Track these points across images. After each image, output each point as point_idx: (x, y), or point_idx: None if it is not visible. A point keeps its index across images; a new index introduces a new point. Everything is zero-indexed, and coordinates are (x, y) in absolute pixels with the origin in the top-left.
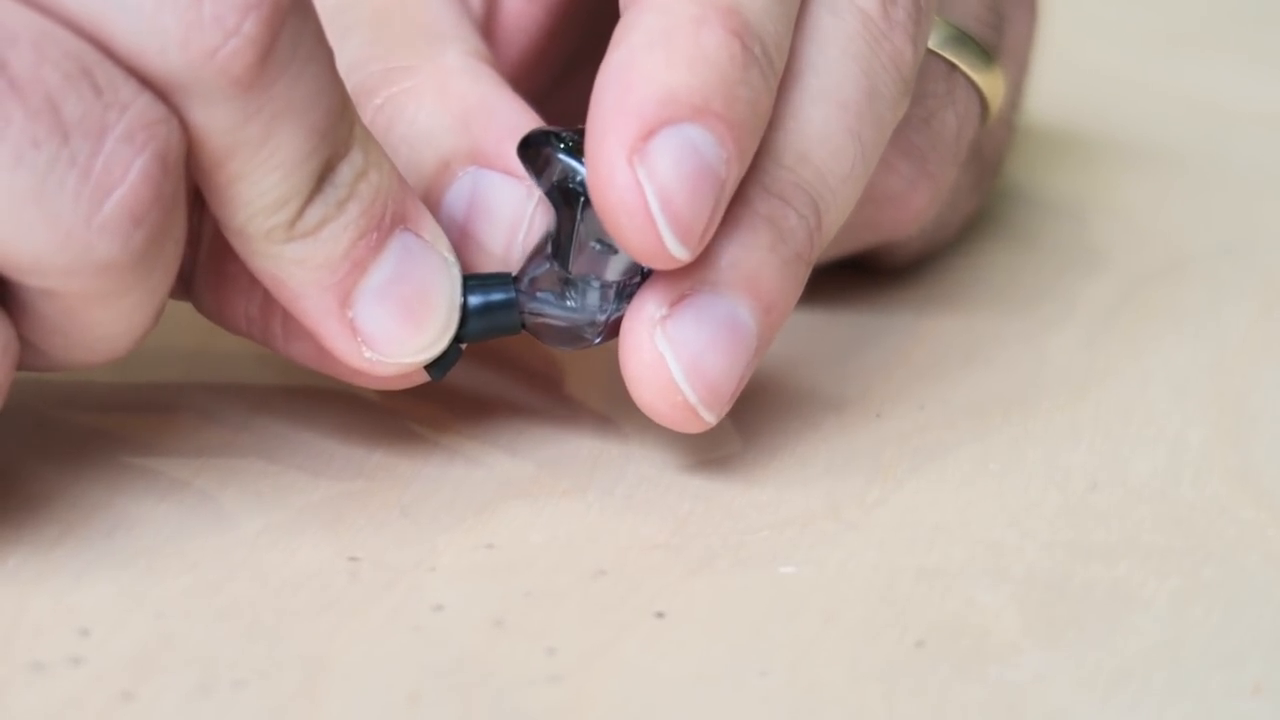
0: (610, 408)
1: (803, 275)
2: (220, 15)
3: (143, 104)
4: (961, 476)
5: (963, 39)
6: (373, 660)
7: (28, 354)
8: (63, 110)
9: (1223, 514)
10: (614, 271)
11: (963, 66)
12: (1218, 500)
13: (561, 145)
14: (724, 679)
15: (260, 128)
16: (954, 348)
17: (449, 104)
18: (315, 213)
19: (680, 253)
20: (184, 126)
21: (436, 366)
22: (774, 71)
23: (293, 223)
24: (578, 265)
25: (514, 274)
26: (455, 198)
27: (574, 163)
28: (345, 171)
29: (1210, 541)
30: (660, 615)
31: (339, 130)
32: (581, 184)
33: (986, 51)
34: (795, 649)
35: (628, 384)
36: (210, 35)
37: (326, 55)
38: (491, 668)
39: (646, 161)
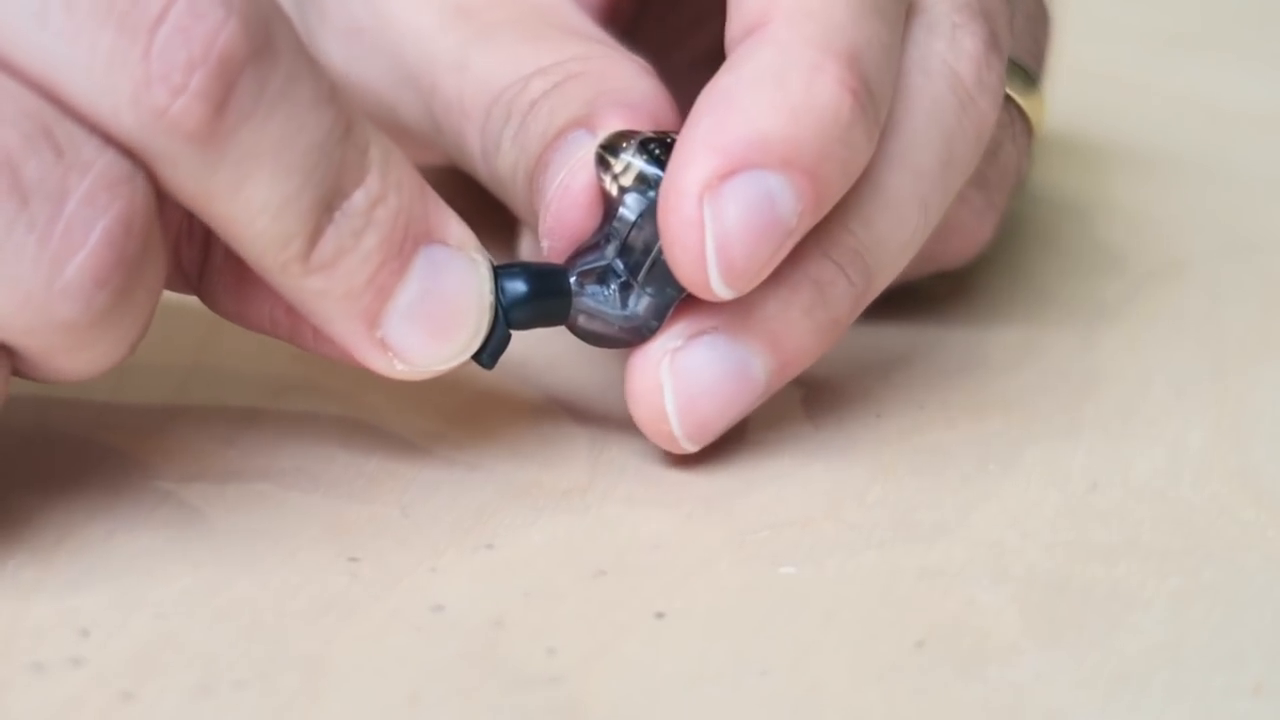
0: (610, 409)
1: (836, 337)
2: (167, 74)
3: (105, 164)
4: (961, 477)
5: (1014, 69)
6: (373, 660)
7: (21, 368)
8: (22, 172)
9: (1223, 514)
10: (682, 290)
11: (1014, 95)
12: (1218, 501)
13: (649, 155)
14: (724, 679)
15: (229, 175)
16: (954, 348)
17: (599, 85)
18: (330, 246)
19: (725, 294)
20: (153, 179)
21: (488, 355)
22: (879, 129)
23: (306, 256)
24: (649, 278)
25: (565, 266)
26: (557, 158)
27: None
28: (360, 199)
29: (1210, 542)
30: (660, 615)
31: (344, 158)
32: None
33: (1029, 74)
34: (795, 649)
35: (625, 394)
36: (158, 94)
37: (307, 91)
38: (491, 668)
39: (715, 202)
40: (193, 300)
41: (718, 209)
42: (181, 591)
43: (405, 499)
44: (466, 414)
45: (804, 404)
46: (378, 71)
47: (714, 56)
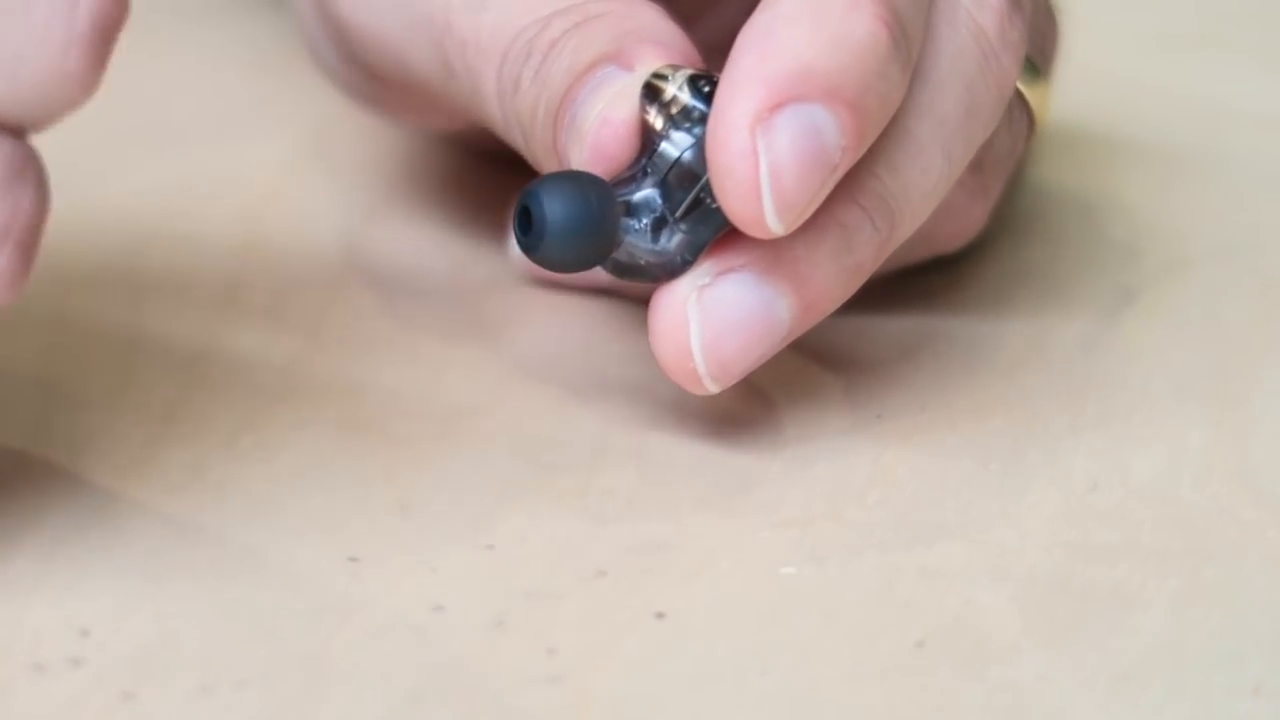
0: (611, 408)
1: (857, 283)
2: None
3: None
4: (962, 477)
5: None
6: (373, 660)
7: None
8: None
9: (1223, 515)
10: (716, 230)
11: (1018, 83)
12: (1218, 501)
13: (695, 90)
14: (724, 679)
15: None
16: (955, 348)
17: (623, 25)
18: None
19: (777, 228)
20: None
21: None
22: (911, 68)
23: None
24: (687, 215)
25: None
26: (586, 92)
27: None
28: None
29: (1210, 542)
30: (660, 616)
31: None
32: None
33: (1035, 66)
34: (795, 649)
35: (649, 331)
36: None
37: None
38: (491, 668)
39: (768, 134)
40: (192, 300)
41: (769, 141)
42: (181, 591)
43: (405, 499)
44: (467, 414)
45: (805, 404)
46: (387, 16)
47: (715, 49)
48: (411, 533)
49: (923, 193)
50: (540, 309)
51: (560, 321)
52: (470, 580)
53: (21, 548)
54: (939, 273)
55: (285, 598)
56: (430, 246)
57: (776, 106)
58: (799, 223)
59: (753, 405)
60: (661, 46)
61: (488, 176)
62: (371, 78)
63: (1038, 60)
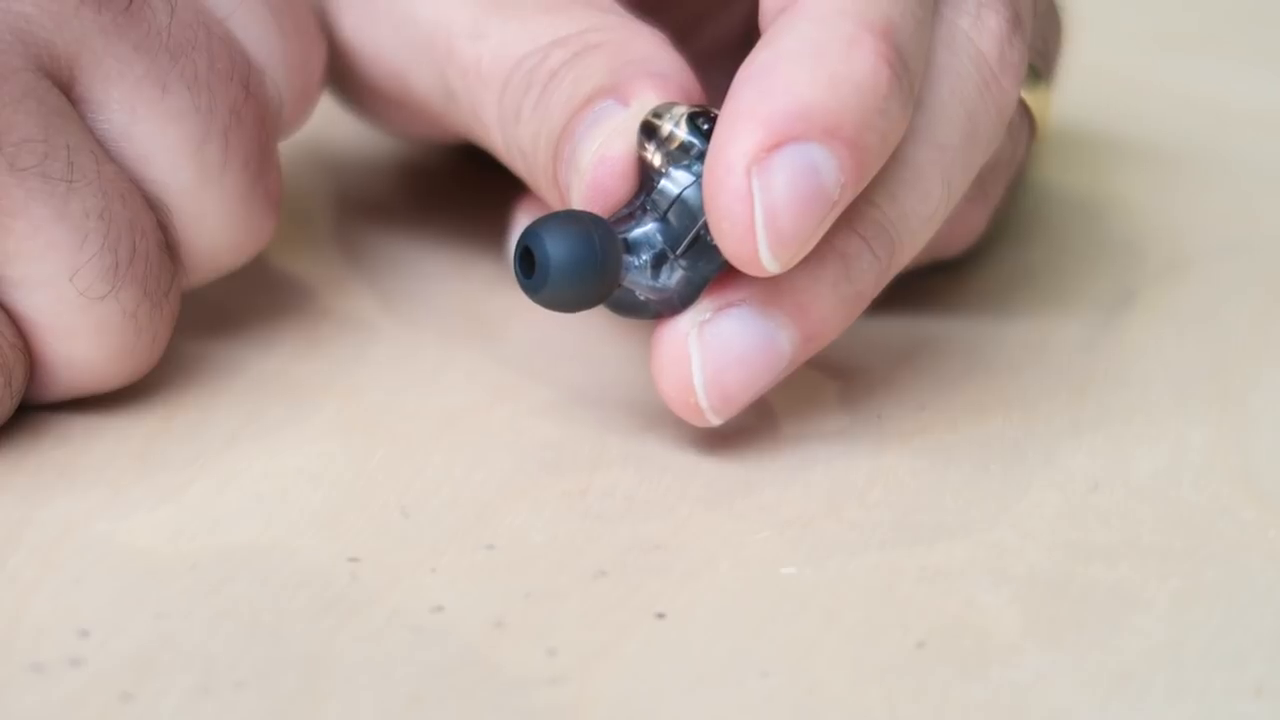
0: (611, 409)
1: (858, 311)
2: None
3: None
4: (962, 477)
5: None
6: (373, 660)
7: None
8: None
9: (1224, 515)
10: (717, 267)
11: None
12: (1219, 501)
13: (694, 128)
14: (725, 680)
15: None
16: (955, 349)
17: (621, 56)
18: None
19: (772, 266)
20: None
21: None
22: (913, 101)
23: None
24: (688, 252)
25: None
26: (584, 128)
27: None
28: None
29: (1211, 542)
30: (661, 616)
31: None
32: None
33: (1037, 70)
34: (796, 650)
35: (650, 366)
36: None
37: None
38: (491, 668)
39: (764, 175)
40: (192, 300)
41: (766, 182)
42: (181, 591)
43: (405, 499)
44: (467, 414)
45: (805, 405)
46: (389, 40)
47: (724, 49)
48: (411, 533)
49: (922, 219)
50: (540, 309)
51: (560, 321)
52: (470, 580)
53: (21, 547)
54: (939, 273)
55: (285, 598)
56: (430, 246)
57: (774, 146)
58: (796, 261)
59: (753, 406)
60: (659, 78)
61: (488, 177)
62: (373, 97)
63: (1039, 64)
